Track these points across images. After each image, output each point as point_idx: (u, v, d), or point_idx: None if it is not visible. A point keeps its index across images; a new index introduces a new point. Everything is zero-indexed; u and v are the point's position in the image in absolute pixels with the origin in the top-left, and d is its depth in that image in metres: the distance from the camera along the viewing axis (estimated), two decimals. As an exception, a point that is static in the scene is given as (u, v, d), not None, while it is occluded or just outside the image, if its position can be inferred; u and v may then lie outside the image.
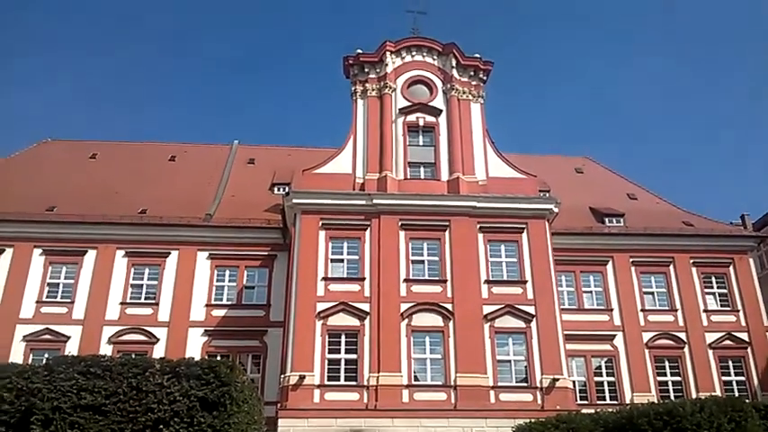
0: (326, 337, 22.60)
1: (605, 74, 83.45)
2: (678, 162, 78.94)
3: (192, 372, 9.94)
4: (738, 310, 27.06)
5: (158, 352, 23.94)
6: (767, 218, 35.11)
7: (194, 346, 24.69)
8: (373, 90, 27.07)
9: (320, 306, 22.92)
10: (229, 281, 26.59)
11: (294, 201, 24.42)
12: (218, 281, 26.56)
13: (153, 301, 25.88)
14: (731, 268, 27.81)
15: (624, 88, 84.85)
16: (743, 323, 26.85)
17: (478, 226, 24.77)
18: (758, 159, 77.23)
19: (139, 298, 26.05)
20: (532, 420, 11.37)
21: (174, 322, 25.52)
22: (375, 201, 24.59)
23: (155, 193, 29.09)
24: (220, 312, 25.91)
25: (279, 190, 29.71)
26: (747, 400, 11.90)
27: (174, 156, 33.87)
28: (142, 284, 26.26)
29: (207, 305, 26.00)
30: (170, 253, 26.65)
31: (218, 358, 14.49)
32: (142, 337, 25.11)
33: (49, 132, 46.60)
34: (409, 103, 26.98)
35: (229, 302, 26.21)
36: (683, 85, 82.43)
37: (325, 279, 23.46)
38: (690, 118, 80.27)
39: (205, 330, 25.47)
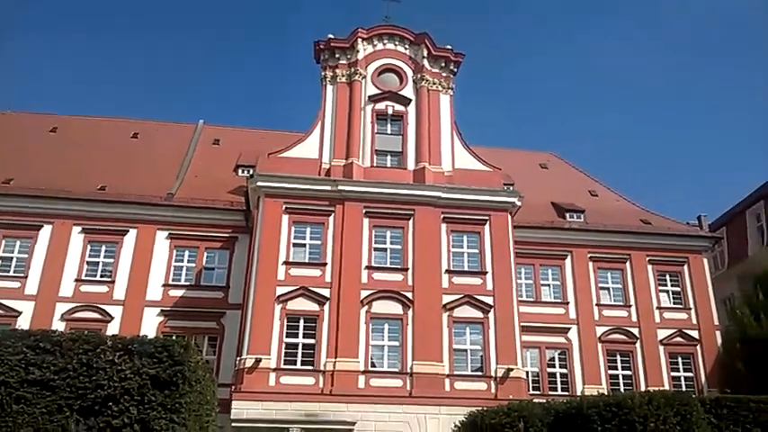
0: (285, 321, 22.58)
1: (574, 70, 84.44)
2: (639, 161, 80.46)
3: (144, 350, 9.81)
4: (690, 309, 27.73)
5: (112, 330, 23.46)
6: (723, 219, 36.08)
7: (149, 326, 24.36)
8: (343, 76, 26.94)
9: (280, 290, 22.86)
10: (188, 261, 26.25)
11: (258, 183, 24.21)
12: (176, 261, 26.19)
13: (109, 279, 25.42)
14: (686, 267, 28.46)
15: (592, 85, 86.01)
16: (694, 321, 27.51)
17: (442, 216, 24.94)
18: (716, 161, 79.21)
19: (95, 275, 25.55)
20: (485, 408, 11.53)
21: (129, 301, 25.12)
22: (340, 187, 24.54)
23: (115, 170, 28.49)
24: (178, 293, 25.59)
25: (243, 172, 29.40)
26: (694, 395, 12.22)
27: (136, 133, 33.20)
28: (98, 262, 25.75)
29: (164, 285, 25.64)
30: (128, 231, 26.17)
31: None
32: (96, 315, 24.66)
33: (8, 104, 45.19)
34: (379, 91, 26.93)
35: (187, 283, 25.89)
36: (650, 85, 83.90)
37: (286, 263, 23.37)
38: (653, 119, 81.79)
39: (161, 310, 25.14)
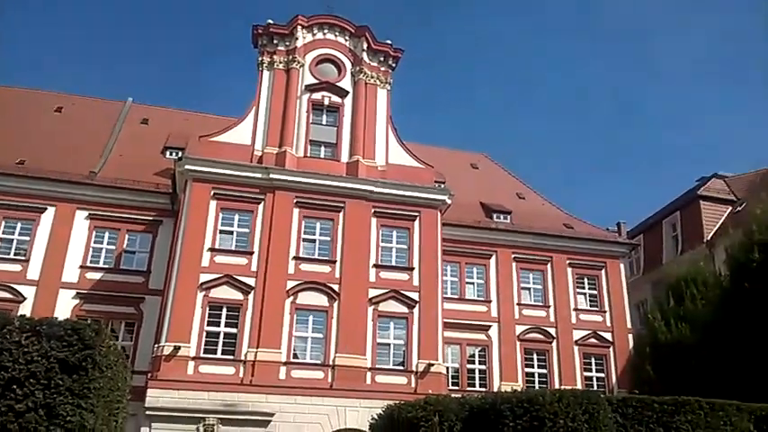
0: (207, 309, 22.17)
1: (512, 72, 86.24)
2: (566, 166, 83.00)
3: (53, 332, 9.38)
4: (605, 311, 28.81)
5: (25, 312, 22.35)
6: (641, 227, 37.72)
7: (64, 309, 23.29)
8: (280, 63, 26.60)
9: (203, 277, 22.42)
10: (108, 243, 25.29)
11: (186, 167, 23.61)
12: (95, 242, 25.19)
13: (23, 258, 24.23)
14: (603, 271, 29.53)
15: (523, 88, 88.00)
16: (608, 323, 28.60)
17: (373, 210, 25.03)
18: (636, 170, 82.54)
19: (8, 253, 24.29)
20: (402, 402, 11.67)
21: (43, 282, 24.02)
22: (272, 175, 24.26)
23: (36, 145, 27.17)
24: (96, 275, 24.66)
25: (171, 154, 28.56)
26: (603, 395, 12.70)
27: (60, 107, 31.71)
28: (12, 239, 24.49)
29: (82, 267, 24.65)
30: (46, 209, 24.99)
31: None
32: (7, 295, 23.46)
33: None
34: (316, 81, 26.75)
35: (106, 266, 24.98)
36: (580, 89, 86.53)
37: (211, 250, 22.93)
38: (580, 126, 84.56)
39: (77, 293, 24.15)
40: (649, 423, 11.16)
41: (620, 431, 10.83)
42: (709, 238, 31.99)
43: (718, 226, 32.36)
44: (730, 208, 33.48)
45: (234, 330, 22.14)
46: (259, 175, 24.25)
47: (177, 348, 21.00)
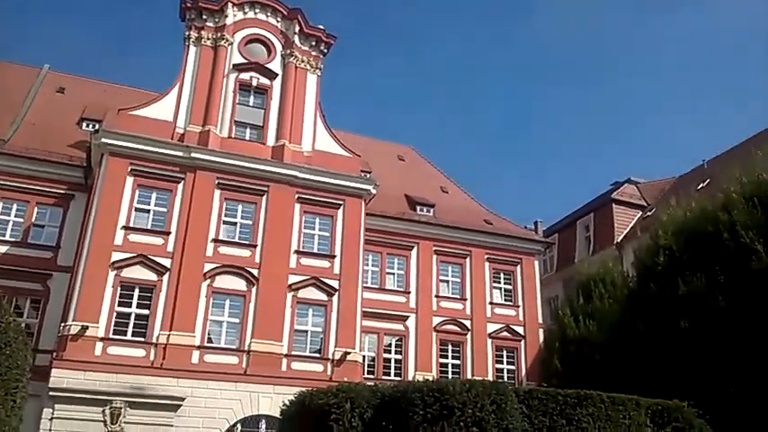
0: (118, 288, 21.42)
1: (443, 64, 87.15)
2: (489, 164, 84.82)
3: (-54, 306, 8.87)
4: (519, 306, 29.67)
5: None
6: (556, 227, 39.03)
7: (-36, 283, 21.98)
8: (209, 39, 25.89)
9: (116, 255, 21.63)
10: (16, 216, 23.89)
11: (103, 140, 22.65)
12: (2, 214, 23.71)
13: None
14: (519, 267, 30.37)
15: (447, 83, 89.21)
16: (521, 318, 29.47)
17: (297, 196, 24.81)
18: (556, 171, 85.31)
19: None
20: (314, 389, 11.65)
21: (-58, 253, 22.57)
22: (194, 154, 23.63)
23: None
24: (1, 249, 23.35)
25: (88, 126, 27.25)
26: (511, 386, 13.05)
27: (-32, 69, 29.77)
28: None
29: (-15, 239, 23.31)
30: (-53, 177, 23.46)
31: (-11, 297, 13.05)
32: None
33: None
34: (245, 61, 26.20)
35: (13, 239, 23.64)
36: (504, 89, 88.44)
37: (125, 228, 22.14)
38: (501, 125, 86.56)
39: (-21, 267, 22.82)
40: (553, 415, 11.52)
41: (525, 421, 11.14)
42: (619, 240, 33.46)
43: (628, 229, 33.86)
44: (640, 212, 35.12)
45: (146, 312, 21.49)
46: (180, 154, 23.57)
47: (85, 328, 20.20)
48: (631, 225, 34.06)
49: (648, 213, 33.50)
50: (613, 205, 35.28)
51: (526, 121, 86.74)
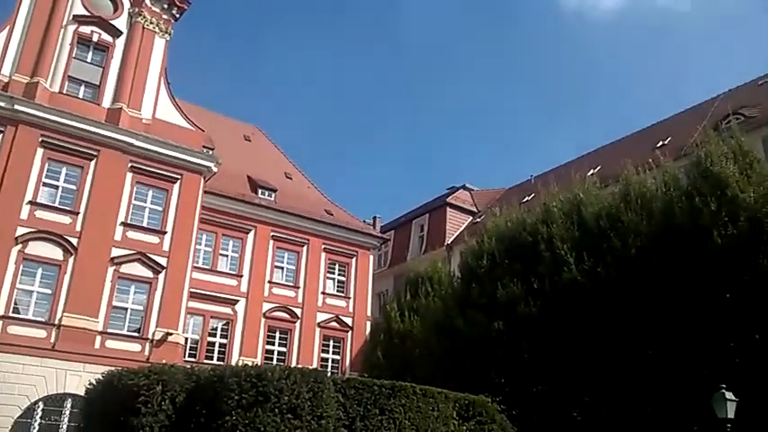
0: None
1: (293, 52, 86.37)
2: (336, 157, 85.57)
3: None
4: (350, 298, 30.23)
5: None
6: (394, 224, 40.22)
7: None
8: (48, -17, 23.66)
9: None
10: None
11: None
12: None
13: None
14: (354, 260, 30.94)
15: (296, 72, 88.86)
16: (351, 310, 30.06)
17: (130, 165, 23.50)
18: (395, 167, 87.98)
19: None
20: (125, 369, 11.05)
21: None
22: (17, 107, 21.57)
23: None
24: None
25: None
26: (330, 375, 13.26)
27: None
28: None
29: None
30: None
31: None
32: None
33: None
34: (87, 13, 24.34)
35: None
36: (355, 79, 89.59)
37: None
38: (352, 116, 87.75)
39: None
40: (367, 404, 11.85)
41: (340, 410, 11.37)
42: (449, 242, 35.17)
43: (458, 232, 35.69)
44: (471, 217, 37.16)
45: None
46: (2, 104, 21.38)
47: None
48: (462, 229, 35.91)
49: (478, 219, 35.50)
50: (447, 208, 37.03)
51: (382, 122, 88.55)
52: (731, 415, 13.11)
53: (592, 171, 26.62)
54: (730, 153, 16.64)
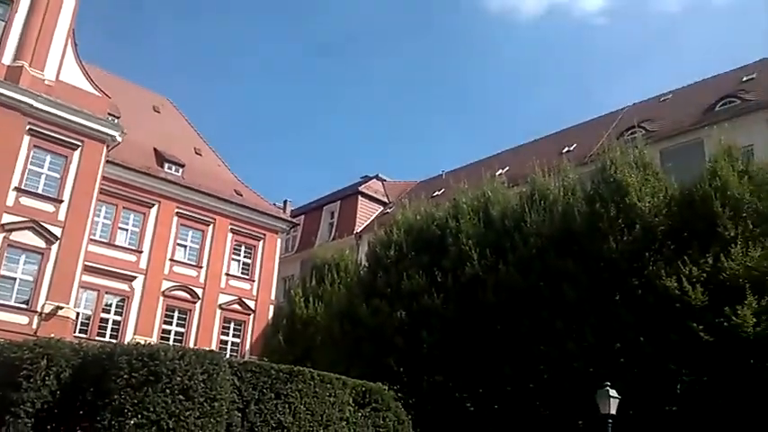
0: None
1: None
2: (248, 136, 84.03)
3: None
4: (254, 281, 29.80)
5: None
6: (304, 208, 39.95)
7: None
8: None
9: None
10: None
11: None
12: None
13: None
14: (261, 243, 30.50)
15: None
16: (254, 293, 29.64)
17: (28, 127, 22.15)
18: (311, 155, 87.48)
19: None
20: (6, 341, 10.45)
21: None
22: None
23: None
24: None
25: None
26: (226, 358, 13.05)
27: None
28: None
29: None
30: None
31: None
32: None
33: None
34: (-11, -38, 22.58)
35: None
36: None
37: None
38: (267, 101, 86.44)
39: None
40: (263, 388, 11.76)
41: (234, 393, 11.23)
42: (359, 230, 35.31)
43: (368, 221, 35.89)
44: (382, 208, 37.46)
45: None
46: None
47: None
48: (372, 218, 36.14)
49: (388, 210, 35.83)
50: (359, 197, 37.18)
51: (302, 109, 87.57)
52: (613, 411, 13.88)
53: (501, 171, 27.37)
54: (633, 163, 17.59)
